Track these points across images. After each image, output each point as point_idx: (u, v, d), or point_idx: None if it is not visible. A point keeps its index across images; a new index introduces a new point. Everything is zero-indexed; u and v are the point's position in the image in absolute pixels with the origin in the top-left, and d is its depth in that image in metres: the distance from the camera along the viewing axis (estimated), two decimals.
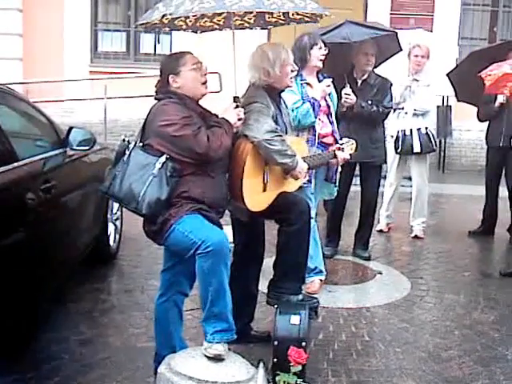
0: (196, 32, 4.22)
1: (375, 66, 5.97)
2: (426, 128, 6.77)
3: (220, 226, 3.42)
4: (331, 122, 5.04)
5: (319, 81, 4.98)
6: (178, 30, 4.12)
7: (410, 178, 7.26)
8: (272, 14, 4.05)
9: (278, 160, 3.73)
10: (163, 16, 3.58)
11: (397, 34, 6.03)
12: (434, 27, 11.58)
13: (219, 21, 4.08)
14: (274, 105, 3.89)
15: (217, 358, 3.28)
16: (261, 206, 3.77)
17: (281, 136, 3.73)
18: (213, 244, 3.17)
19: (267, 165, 3.77)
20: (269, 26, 4.36)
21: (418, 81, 6.71)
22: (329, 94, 5.01)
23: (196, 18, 3.98)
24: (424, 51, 6.71)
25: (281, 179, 3.89)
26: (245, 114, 3.65)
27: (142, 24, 3.83)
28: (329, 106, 5.03)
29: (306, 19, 4.06)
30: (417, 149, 6.71)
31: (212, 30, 4.21)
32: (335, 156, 4.39)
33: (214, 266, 3.19)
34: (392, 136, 6.77)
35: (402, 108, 6.71)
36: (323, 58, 4.91)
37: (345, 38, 5.53)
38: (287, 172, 3.85)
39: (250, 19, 4.13)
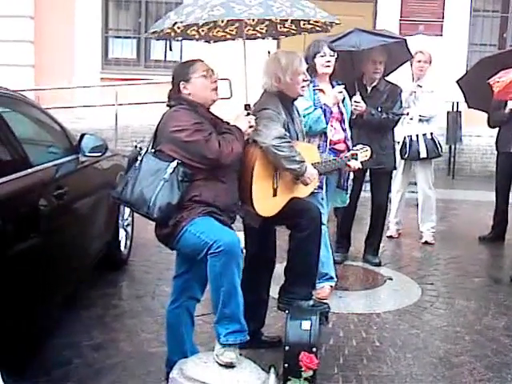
0: (209, 42, 4.26)
1: (387, 74, 5.98)
2: (432, 133, 6.79)
3: (231, 229, 3.44)
4: (344, 129, 5.05)
5: (333, 87, 5.00)
6: (191, 39, 4.15)
7: (415, 184, 7.26)
8: (284, 24, 4.08)
9: (286, 165, 3.75)
10: (174, 24, 3.61)
11: (406, 41, 6.04)
12: (444, 33, 11.58)
13: (231, 30, 4.11)
14: (286, 112, 3.91)
15: (228, 366, 3.30)
16: (271, 211, 3.79)
17: (289, 142, 3.76)
18: (224, 244, 3.19)
19: (277, 170, 3.80)
20: (280, 36, 4.39)
21: (421, 87, 6.72)
22: (342, 101, 5.02)
23: (209, 28, 4.02)
24: (426, 57, 6.73)
25: (292, 185, 3.91)
26: (256, 119, 3.69)
27: (154, 33, 3.86)
28: (342, 113, 5.03)
29: (317, 29, 4.08)
30: (423, 154, 6.72)
31: (224, 40, 4.24)
32: (348, 163, 4.41)
33: (226, 266, 3.21)
34: (398, 142, 6.78)
35: (407, 114, 6.72)
36: (329, 64, 4.92)
37: (354, 46, 5.56)
38: (296, 178, 3.87)
39: (262, 29, 4.17)
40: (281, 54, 4.00)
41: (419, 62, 6.71)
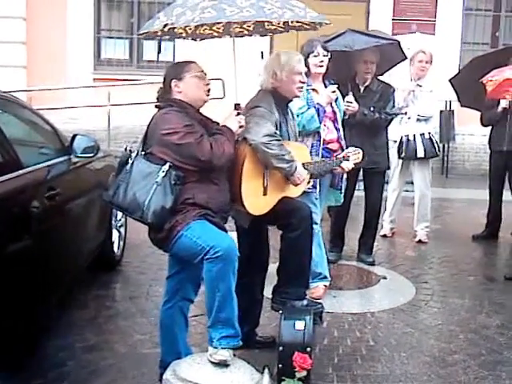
0: (195, 40, 4.24)
1: (380, 74, 5.99)
2: (429, 133, 6.79)
3: (225, 232, 3.43)
4: (337, 129, 5.04)
5: (326, 87, 4.99)
6: (178, 37, 4.14)
7: (412, 183, 7.27)
8: (271, 22, 4.07)
9: (275, 164, 3.74)
10: (165, 26, 3.59)
11: (399, 42, 6.04)
12: (436, 32, 11.60)
13: (218, 28, 4.09)
14: (280, 112, 3.90)
15: (222, 364, 3.29)
16: (261, 210, 3.77)
17: (279, 140, 3.74)
18: (222, 249, 3.19)
19: (267, 168, 3.78)
20: (268, 34, 4.37)
21: (421, 86, 6.73)
22: (335, 101, 5.02)
23: (196, 26, 4.00)
24: (428, 57, 6.73)
25: (282, 184, 3.89)
26: (247, 116, 3.68)
27: (144, 33, 3.85)
28: (335, 112, 5.03)
29: (306, 27, 4.07)
30: (420, 154, 6.73)
31: (212, 38, 4.22)
32: (340, 165, 4.39)
33: (223, 271, 3.20)
34: (395, 141, 6.78)
35: (405, 113, 6.72)
36: (322, 64, 4.91)
37: (346, 47, 5.57)
38: (286, 177, 3.86)
39: (249, 27, 4.14)
40: (282, 52, 4.03)
41: (421, 61, 6.71)
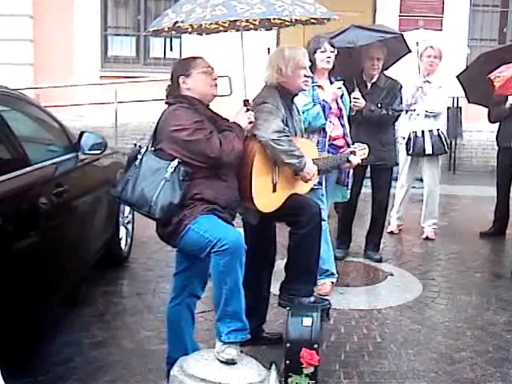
0: (201, 34, 4.23)
1: (386, 69, 5.98)
2: (438, 130, 6.77)
3: (233, 227, 3.43)
4: (343, 125, 5.05)
5: (331, 83, 4.99)
6: (184, 32, 4.11)
7: (421, 180, 7.26)
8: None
9: (285, 160, 3.73)
10: (175, 23, 3.57)
11: (403, 35, 6.04)
12: (444, 29, 11.56)
13: (224, 23, 4.06)
14: (286, 108, 3.90)
15: (229, 362, 3.30)
16: (271, 207, 3.77)
17: (288, 136, 3.74)
18: (229, 242, 3.19)
19: (276, 165, 3.78)
20: (274, 27, 4.35)
21: (430, 82, 6.71)
22: (341, 97, 5.02)
23: None
24: (436, 52, 6.71)
25: (291, 180, 3.89)
26: (255, 113, 3.67)
27: (153, 31, 3.84)
28: (340, 109, 5.03)
29: (312, 21, 4.06)
30: (428, 150, 6.71)
31: (217, 32, 4.19)
32: (348, 160, 4.39)
33: (230, 265, 3.20)
34: (403, 137, 6.77)
35: (414, 109, 6.71)
36: (329, 59, 4.91)
37: (350, 43, 5.56)
38: (295, 173, 3.86)
39: (255, 21, 4.11)
40: (286, 47, 4.01)
41: (429, 56, 6.70)
